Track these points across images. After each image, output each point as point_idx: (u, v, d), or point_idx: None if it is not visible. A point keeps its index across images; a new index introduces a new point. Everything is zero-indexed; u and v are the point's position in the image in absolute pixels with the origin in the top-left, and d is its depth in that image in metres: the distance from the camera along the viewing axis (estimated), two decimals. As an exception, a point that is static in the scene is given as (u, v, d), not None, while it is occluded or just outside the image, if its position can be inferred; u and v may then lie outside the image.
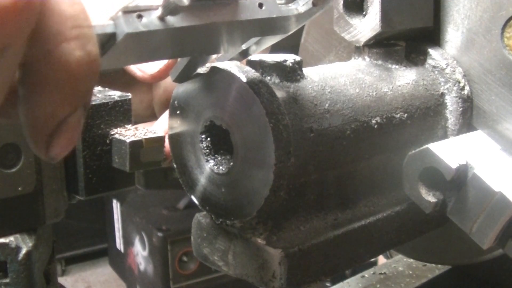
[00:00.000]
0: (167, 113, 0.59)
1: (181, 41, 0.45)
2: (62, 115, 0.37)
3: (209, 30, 0.45)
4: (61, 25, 0.35)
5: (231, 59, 0.53)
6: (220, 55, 0.54)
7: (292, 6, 0.50)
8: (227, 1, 0.45)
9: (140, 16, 0.40)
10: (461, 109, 0.67)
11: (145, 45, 0.42)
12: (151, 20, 0.41)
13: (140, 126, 0.70)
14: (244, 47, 0.53)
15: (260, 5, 0.47)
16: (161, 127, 0.71)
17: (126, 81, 0.73)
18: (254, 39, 0.52)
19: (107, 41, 0.40)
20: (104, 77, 0.39)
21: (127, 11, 0.40)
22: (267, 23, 0.48)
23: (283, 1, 0.49)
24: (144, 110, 0.77)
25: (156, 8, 0.41)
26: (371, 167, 0.63)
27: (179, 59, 0.53)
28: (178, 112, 0.56)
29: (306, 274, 0.55)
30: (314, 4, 0.50)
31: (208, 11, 0.44)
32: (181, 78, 0.54)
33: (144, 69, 0.71)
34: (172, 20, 0.42)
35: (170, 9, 0.41)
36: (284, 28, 0.51)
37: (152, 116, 0.78)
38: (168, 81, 0.73)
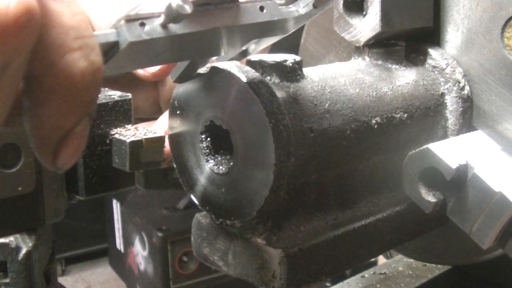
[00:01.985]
0: (167, 113, 0.59)
1: (182, 46, 0.44)
2: (68, 126, 0.37)
3: (211, 35, 0.45)
4: (64, 37, 0.35)
5: (231, 59, 0.53)
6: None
7: (292, 8, 0.50)
8: (228, 5, 0.45)
9: (142, 24, 0.40)
10: (461, 109, 0.67)
11: (147, 52, 0.42)
12: (154, 28, 0.40)
13: (140, 126, 0.70)
14: (243, 47, 0.53)
15: (261, 8, 0.47)
16: (161, 127, 0.71)
17: (131, 79, 0.73)
18: (254, 39, 0.52)
19: (110, 49, 0.40)
20: (108, 76, 0.40)
21: (129, 20, 0.39)
22: (267, 25, 0.48)
23: (283, 2, 0.49)
24: (150, 107, 0.78)
25: (158, 16, 0.41)
26: (371, 167, 0.63)
27: None
28: (178, 112, 0.55)
29: (306, 274, 0.55)
30: (315, 6, 0.49)
31: (210, 16, 0.44)
32: (181, 79, 0.53)
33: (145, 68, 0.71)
34: (175, 27, 0.41)
35: (172, 17, 0.41)
36: (284, 29, 0.50)
37: (158, 112, 0.78)
38: (174, 77, 0.73)
